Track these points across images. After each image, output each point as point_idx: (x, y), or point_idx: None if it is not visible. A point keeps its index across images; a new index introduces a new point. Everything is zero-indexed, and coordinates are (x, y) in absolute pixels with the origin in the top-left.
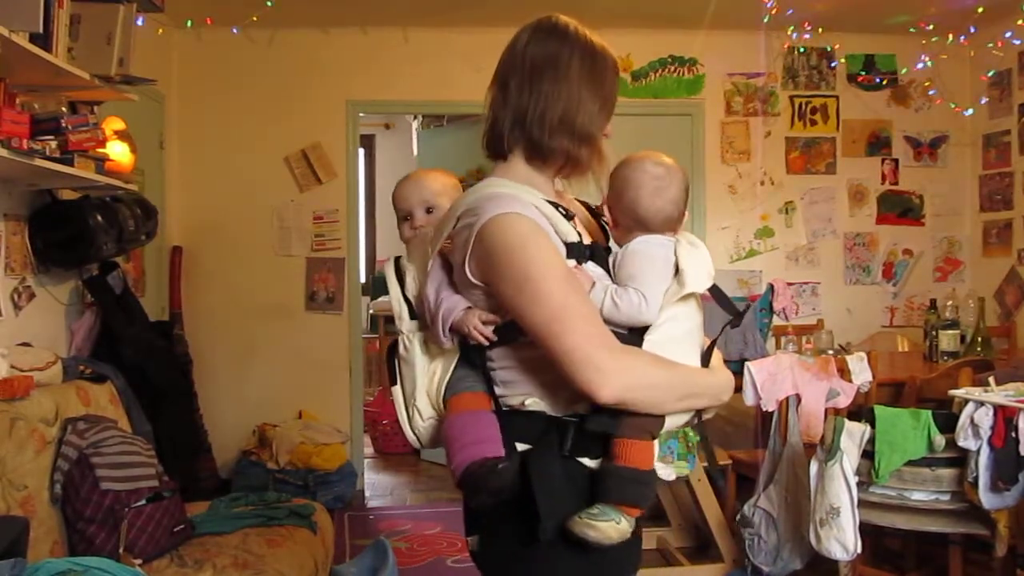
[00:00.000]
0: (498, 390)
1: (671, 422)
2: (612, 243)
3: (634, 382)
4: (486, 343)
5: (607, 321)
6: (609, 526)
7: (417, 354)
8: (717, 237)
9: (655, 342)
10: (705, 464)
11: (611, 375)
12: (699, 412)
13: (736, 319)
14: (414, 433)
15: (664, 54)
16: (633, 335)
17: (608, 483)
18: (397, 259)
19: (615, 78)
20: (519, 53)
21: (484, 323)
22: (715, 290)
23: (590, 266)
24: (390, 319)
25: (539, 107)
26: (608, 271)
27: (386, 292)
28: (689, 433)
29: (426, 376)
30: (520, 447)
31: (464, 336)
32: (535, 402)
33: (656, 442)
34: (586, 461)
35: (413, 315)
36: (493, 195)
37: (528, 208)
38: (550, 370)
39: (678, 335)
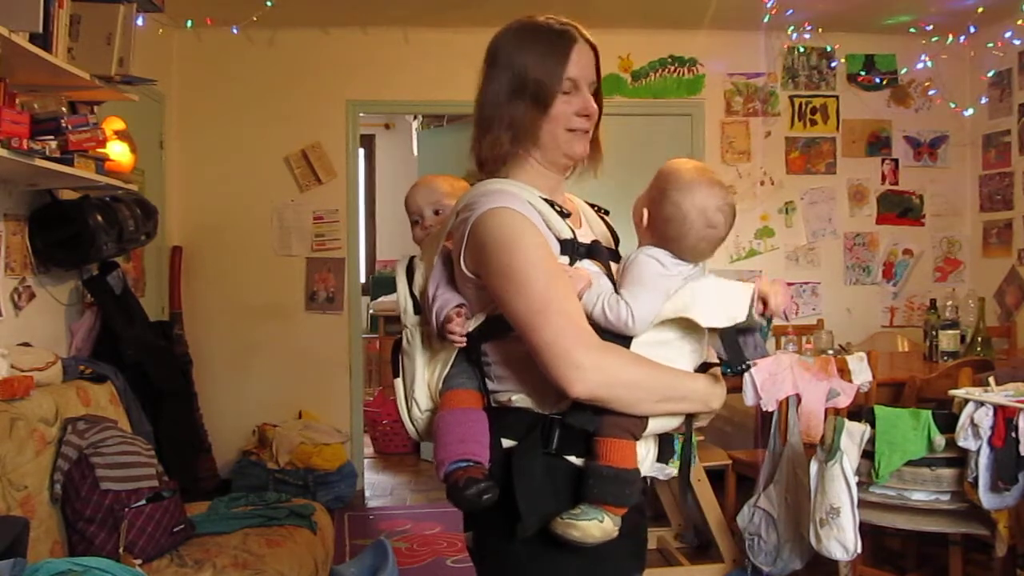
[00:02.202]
0: (491, 385)
1: (657, 425)
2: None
3: (609, 380)
4: (461, 342)
5: (595, 324)
6: (591, 525)
7: (418, 348)
8: None
9: (643, 343)
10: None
11: (586, 371)
12: (689, 418)
13: (730, 367)
14: (412, 424)
15: (664, 54)
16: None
17: (589, 482)
18: (412, 258)
19: (546, 46)
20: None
21: (456, 328)
22: (728, 336)
23: (587, 264)
24: (390, 319)
25: (476, 116)
26: (609, 270)
27: (386, 292)
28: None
29: (426, 369)
30: (507, 443)
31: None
32: (522, 399)
33: (645, 442)
34: (573, 459)
35: (417, 310)
36: (489, 191)
37: (522, 204)
38: (537, 368)
39: (668, 339)
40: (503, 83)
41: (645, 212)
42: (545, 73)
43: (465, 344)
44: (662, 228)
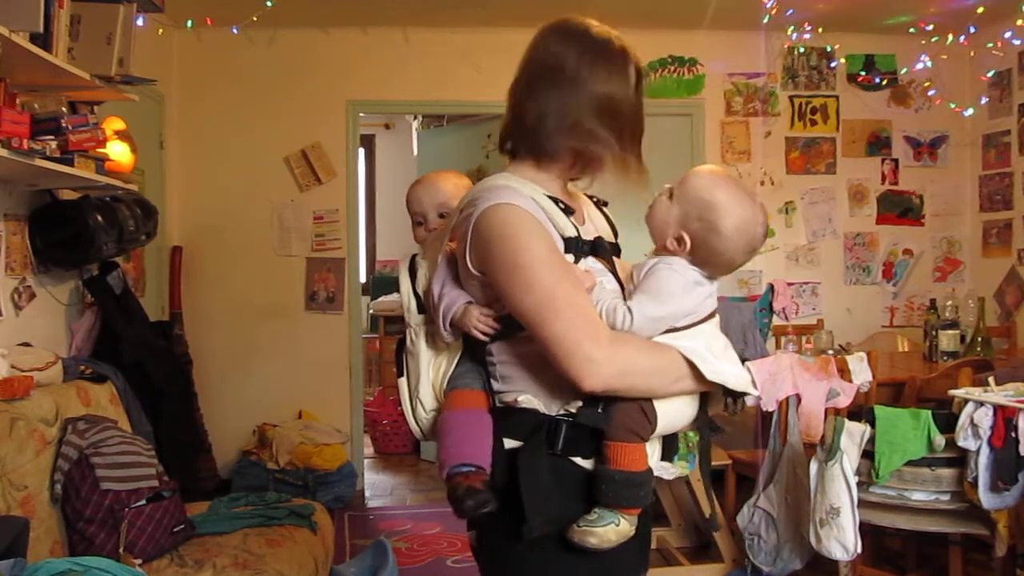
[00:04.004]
0: (496, 385)
1: (671, 422)
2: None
3: (623, 370)
4: (485, 338)
5: None
6: (608, 529)
7: (422, 347)
8: None
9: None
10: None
11: (599, 364)
12: (704, 411)
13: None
14: (417, 424)
15: (664, 54)
16: None
17: (602, 487)
18: (414, 256)
19: (626, 70)
20: (529, 56)
21: (484, 317)
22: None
23: (590, 261)
24: (390, 319)
25: (540, 111)
26: (612, 266)
27: (386, 292)
28: (689, 434)
29: (431, 368)
30: (510, 444)
31: (465, 332)
32: (528, 399)
33: (650, 442)
34: (579, 461)
35: (421, 309)
36: (491, 187)
37: (524, 200)
38: (545, 368)
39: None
40: (582, 98)
41: (686, 237)
42: (637, 103)
43: (491, 336)
44: (704, 255)
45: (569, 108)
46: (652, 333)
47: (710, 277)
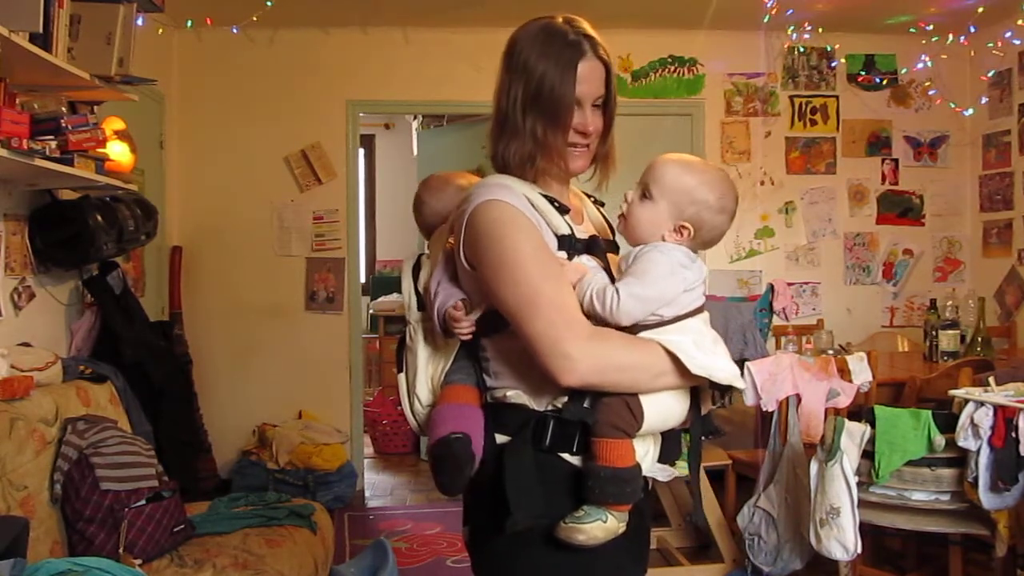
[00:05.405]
0: (488, 381)
1: (660, 419)
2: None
3: (600, 366)
4: (465, 337)
5: (589, 316)
6: (595, 526)
7: (420, 344)
8: None
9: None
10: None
11: (575, 361)
12: (698, 410)
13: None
14: (415, 418)
15: (664, 54)
16: None
17: (589, 483)
18: (420, 256)
19: (557, 58)
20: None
21: (463, 320)
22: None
23: (584, 259)
24: (390, 319)
25: (496, 117)
26: (607, 264)
27: (386, 292)
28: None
29: (429, 365)
30: (501, 439)
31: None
32: (517, 395)
33: (644, 441)
34: (567, 457)
35: (421, 307)
36: (486, 183)
37: (516, 197)
38: (533, 364)
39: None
40: (520, 89)
41: (688, 225)
42: (559, 87)
43: (471, 337)
44: (704, 234)
45: (510, 115)
46: (640, 314)
47: (695, 253)
